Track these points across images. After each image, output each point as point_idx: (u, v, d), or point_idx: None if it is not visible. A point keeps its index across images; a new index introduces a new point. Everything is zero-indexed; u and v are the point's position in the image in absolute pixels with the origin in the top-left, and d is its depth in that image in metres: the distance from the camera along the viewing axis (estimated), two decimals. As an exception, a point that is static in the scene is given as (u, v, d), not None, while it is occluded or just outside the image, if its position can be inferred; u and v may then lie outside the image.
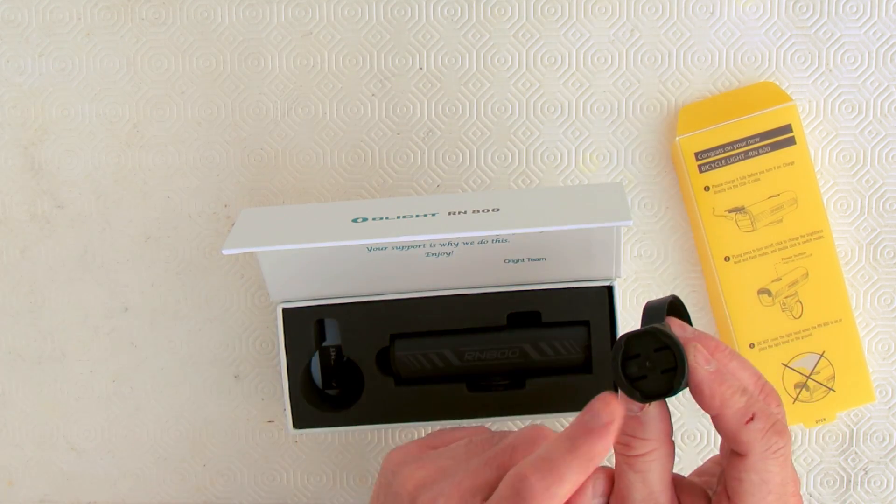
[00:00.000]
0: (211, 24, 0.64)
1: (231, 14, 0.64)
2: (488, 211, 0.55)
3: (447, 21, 0.64)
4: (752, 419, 0.46)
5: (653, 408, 0.46)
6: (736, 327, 0.62)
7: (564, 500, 0.45)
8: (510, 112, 0.64)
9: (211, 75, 0.64)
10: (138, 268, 0.65)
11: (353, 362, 0.60)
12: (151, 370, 0.66)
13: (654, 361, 0.46)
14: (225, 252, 0.53)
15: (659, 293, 0.64)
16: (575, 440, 0.45)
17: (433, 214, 0.55)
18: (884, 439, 0.65)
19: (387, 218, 0.55)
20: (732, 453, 0.47)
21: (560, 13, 0.64)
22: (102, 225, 0.65)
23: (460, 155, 0.64)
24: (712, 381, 0.46)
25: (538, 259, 0.58)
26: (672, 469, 0.48)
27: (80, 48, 0.65)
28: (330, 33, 0.64)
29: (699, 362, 0.46)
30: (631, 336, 0.46)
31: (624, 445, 0.47)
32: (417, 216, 0.55)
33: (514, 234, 0.56)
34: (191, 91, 0.65)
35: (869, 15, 0.63)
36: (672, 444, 0.47)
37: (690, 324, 0.50)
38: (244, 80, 0.64)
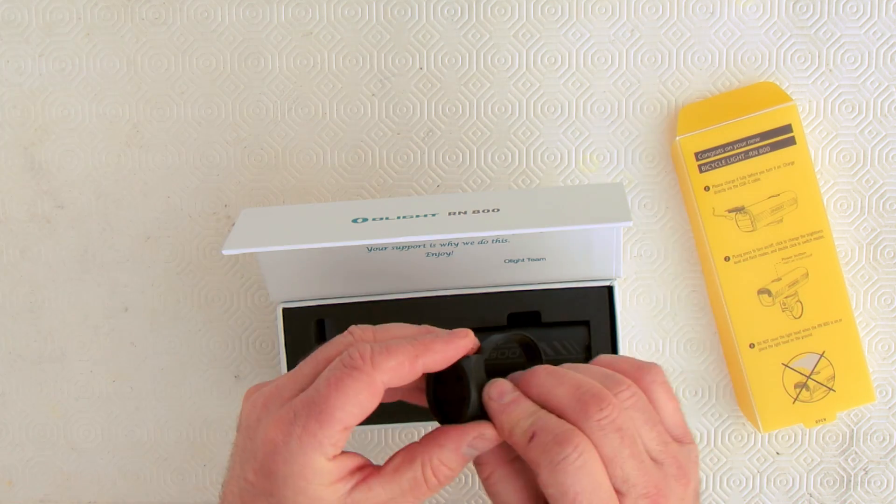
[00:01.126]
0: (211, 24, 0.64)
1: (231, 14, 0.64)
2: (488, 211, 0.55)
3: (447, 21, 0.64)
4: (532, 437, 0.46)
5: (484, 432, 0.48)
6: (736, 327, 0.62)
7: (391, 373, 0.47)
8: (510, 112, 0.64)
9: (211, 75, 0.64)
10: (138, 268, 0.65)
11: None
12: (151, 370, 0.66)
13: (457, 391, 0.49)
14: (225, 252, 0.53)
15: (659, 293, 0.64)
16: (416, 335, 0.49)
17: (433, 215, 0.55)
18: (884, 439, 0.65)
19: (387, 218, 0.55)
20: None
21: (560, 13, 0.64)
22: (102, 225, 0.65)
23: (460, 155, 0.64)
24: (499, 412, 0.48)
25: (538, 259, 0.59)
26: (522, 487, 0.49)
27: (80, 48, 0.65)
28: (330, 33, 0.64)
29: (491, 396, 0.48)
30: (454, 365, 0.49)
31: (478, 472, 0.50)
32: (417, 216, 0.55)
33: (514, 234, 0.56)
34: (191, 91, 0.65)
35: (869, 15, 0.63)
36: (513, 464, 0.49)
37: (540, 359, 0.52)
38: (244, 80, 0.64)
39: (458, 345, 0.48)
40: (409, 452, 0.48)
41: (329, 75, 0.64)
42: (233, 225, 0.65)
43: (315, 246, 0.53)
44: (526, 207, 0.56)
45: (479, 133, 0.64)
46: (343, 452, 0.47)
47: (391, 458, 0.48)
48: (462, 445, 0.48)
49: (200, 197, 0.65)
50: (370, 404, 0.47)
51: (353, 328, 0.49)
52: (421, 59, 0.64)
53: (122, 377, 0.66)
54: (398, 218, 0.55)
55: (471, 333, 0.49)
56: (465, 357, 0.49)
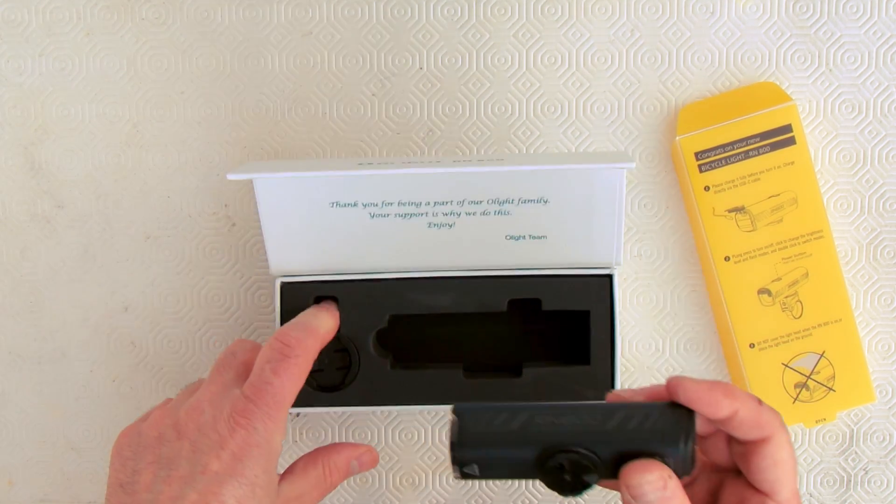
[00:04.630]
0: (211, 24, 0.64)
1: (231, 14, 0.64)
2: (492, 161, 0.57)
3: (447, 21, 0.64)
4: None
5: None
6: (736, 327, 0.62)
7: (315, 353, 0.56)
8: (510, 112, 0.64)
9: (211, 75, 0.64)
10: (138, 268, 0.65)
11: (346, 348, 0.60)
12: (151, 370, 0.66)
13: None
14: (230, 177, 0.56)
15: (659, 293, 0.64)
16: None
17: (437, 162, 0.58)
18: (884, 439, 0.65)
19: (391, 164, 0.57)
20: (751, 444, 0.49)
21: (560, 13, 0.64)
22: (102, 225, 0.65)
23: (460, 155, 0.64)
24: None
25: (539, 237, 0.59)
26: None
27: (80, 48, 0.65)
28: (330, 33, 0.64)
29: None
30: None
31: None
32: (422, 163, 0.58)
33: (517, 170, 0.57)
34: (191, 91, 0.65)
35: (869, 15, 0.63)
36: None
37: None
38: (244, 80, 0.64)
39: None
40: (314, 456, 0.58)
41: (329, 75, 0.64)
42: (233, 224, 0.65)
43: (319, 174, 0.56)
44: (529, 158, 0.60)
45: (479, 133, 0.64)
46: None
47: (298, 461, 0.57)
48: (353, 458, 0.58)
49: (200, 197, 0.65)
50: (302, 385, 0.55)
51: (237, 342, 0.58)
52: (421, 59, 0.64)
53: (122, 377, 0.66)
54: (403, 164, 0.57)
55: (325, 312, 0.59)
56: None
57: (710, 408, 0.48)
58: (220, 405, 0.53)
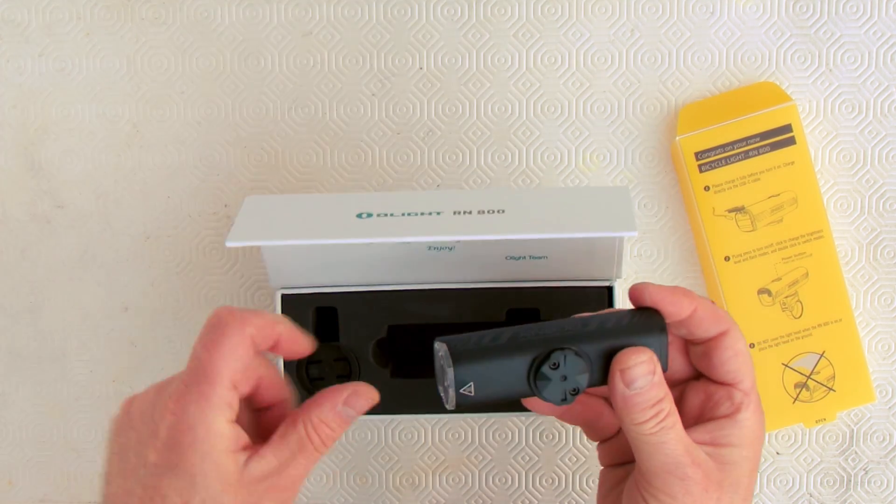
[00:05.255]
0: (211, 24, 0.64)
1: (231, 14, 0.64)
2: (493, 212, 0.55)
3: (447, 21, 0.64)
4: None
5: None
6: (736, 327, 0.62)
7: (255, 327, 0.49)
8: (510, 112, 0.64)
9: (211, 75, 0.64)
10: (138, 268, 0.65)
11: (346, 357, 0.60)
12: (151, 370, 0.66)
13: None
14: (228, 244, 0.52)
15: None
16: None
17: (438, 213, 0.55)
18: (884, 439, 0.65)
19: (391, 214, 0.55)
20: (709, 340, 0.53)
21: (560, 13, 0.64)
22: (102, 225, 0.65)
23: (460, 155, 0.64)
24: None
25: (540, 258, 0.59)
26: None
27: (80, 48, 0.65)
28: (330, 33, 0.64)
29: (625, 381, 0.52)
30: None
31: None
32: (422, 214, 0.55)
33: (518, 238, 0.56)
34: (191, 91, 0.65)
35: (869, 15, 0.63)
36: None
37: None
38: (244, 80, 0.64)
39: (302, 340, 0.51)
40: (292, 417, 0.50)
41: (329, 75, 0.64)
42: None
43: (319, 242, 0.53)
44: (531, 210, 0.55)
45: (479, 133, 0.64)
46: (236, 424, 0.49)
47: (278, 429, 0.50)
48: (338, 403, 0.50)
49: (200, 197, 0.65)
50: (247, 356, 0.49)
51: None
52: (421, 59, 0.64)
53: (122, 377, 0.66)
54: (403, 215, 0.55)
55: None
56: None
57: (674, 306, 0.51)
58: (164, 390, 0.49)
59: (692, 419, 0.53)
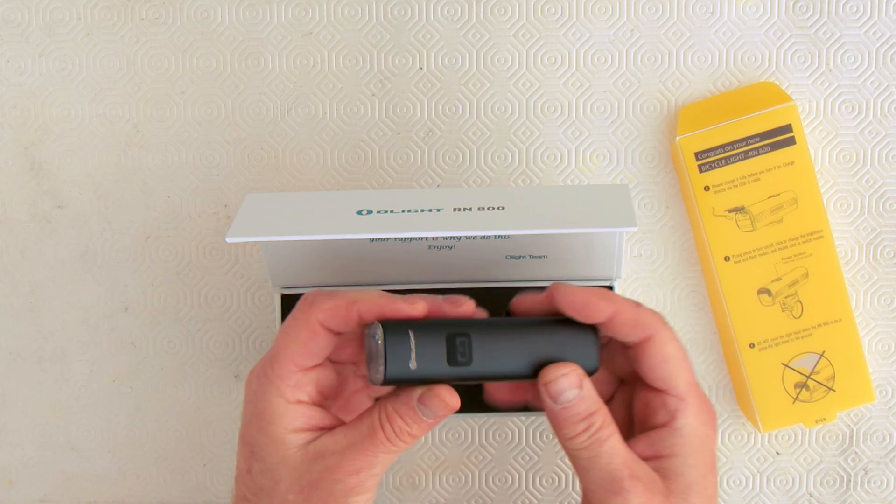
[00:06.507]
0: (211, 24, 0.64)
1: (231, 14, 0.64)
2: (493, 209, 0.54)
3: (447, 21, 0.64)
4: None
5: None
6: (736, 327, 0.62)
7: (326, 313, 0.50)
8: (510, 112, 0.64)
9: (211, 75, 0.64)
10: (138, 268, 0.65)
11: None
12: (151, 370, 0.66)
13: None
14: (228, 240, 0.52)
15: (659, 293, 0.64)
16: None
17: (438, 210, 0.55)
18: (884, 439, 0.65)
19: (391, 211, 0.54)
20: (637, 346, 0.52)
21: (560, 13, 0.64)
22: (102, 225, 0.65)
23: (460, 155, 0.64)
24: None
25: (540, 257, 0.58)
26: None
27: (80, 48, 0.65)
28: (330, 33, 0.64)
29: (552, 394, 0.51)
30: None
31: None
32: (422, 211, 0.55)
33: (518, 234, 0.56)
34: (191, 91, 0.65)
35: (869, 15, 0.63)
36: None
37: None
38: (244, 80, 0.64)
39: (396, 305, 0.50)
40: (373, 405, 0.51)
41: (329, 75, 0.64)
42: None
43: (319, 238, 0.53)
44: (531, 207, 0.55)
45: (479, 133, 0.64)
46: (314, 407, 0.51)
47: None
48: (413, 398, 0.50)
49: (200, 197, 0.65)
50: (313, 343, 0.50)
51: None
52: (421, 59, 0.64)
53: (122, 377, 0.66)
54: (402, 211, 0.54)
55: (463, 302, 0.52)
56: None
57: (587, 311, 0.50)
58: (257, 364, 0.53)
59: (638, 426, 0.53)
